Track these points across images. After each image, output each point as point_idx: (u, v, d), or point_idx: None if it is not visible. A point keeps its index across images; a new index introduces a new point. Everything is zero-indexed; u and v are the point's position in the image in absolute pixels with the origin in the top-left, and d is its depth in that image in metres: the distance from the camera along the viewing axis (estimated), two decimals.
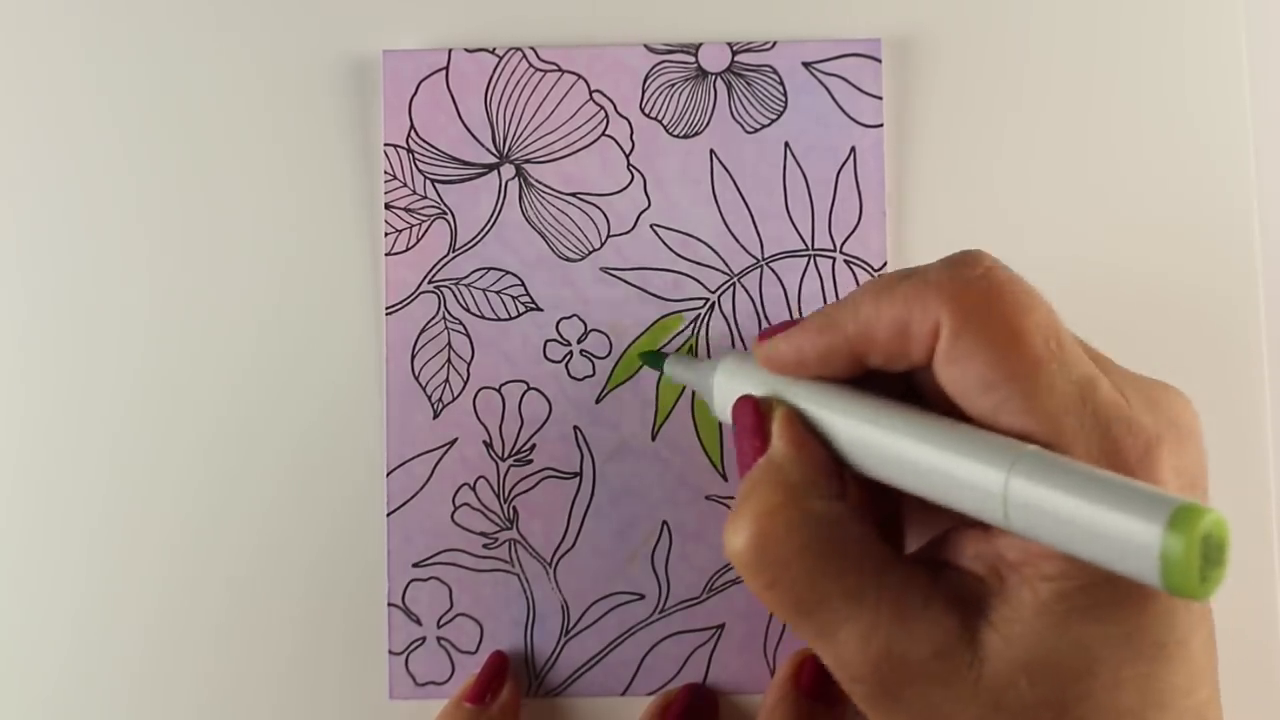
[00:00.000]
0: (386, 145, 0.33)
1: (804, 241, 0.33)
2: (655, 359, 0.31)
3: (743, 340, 0.32)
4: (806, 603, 0.22)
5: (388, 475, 0.32)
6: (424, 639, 0.32)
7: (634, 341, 0.33)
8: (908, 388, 0.24)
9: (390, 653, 0.32)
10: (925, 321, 0.22)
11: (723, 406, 0.27)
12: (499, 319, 0.33)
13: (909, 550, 0.25)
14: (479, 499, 0.32)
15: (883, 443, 0.22)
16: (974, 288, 0.21)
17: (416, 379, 0.32)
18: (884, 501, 0.25)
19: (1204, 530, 0.17)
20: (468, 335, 0.33)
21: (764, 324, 0.32)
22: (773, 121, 0.33)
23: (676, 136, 0.33)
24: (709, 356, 0.32)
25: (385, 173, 0.33)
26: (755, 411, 0.25)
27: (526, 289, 0.33)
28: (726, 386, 0.27)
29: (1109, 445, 0.20)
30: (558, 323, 0.33)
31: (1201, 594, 0.17)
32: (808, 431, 0.24)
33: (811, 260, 0.33)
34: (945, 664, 0.21)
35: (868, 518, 0.23)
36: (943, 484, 0.21)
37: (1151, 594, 0.20)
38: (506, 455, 0.32)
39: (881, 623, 0.22)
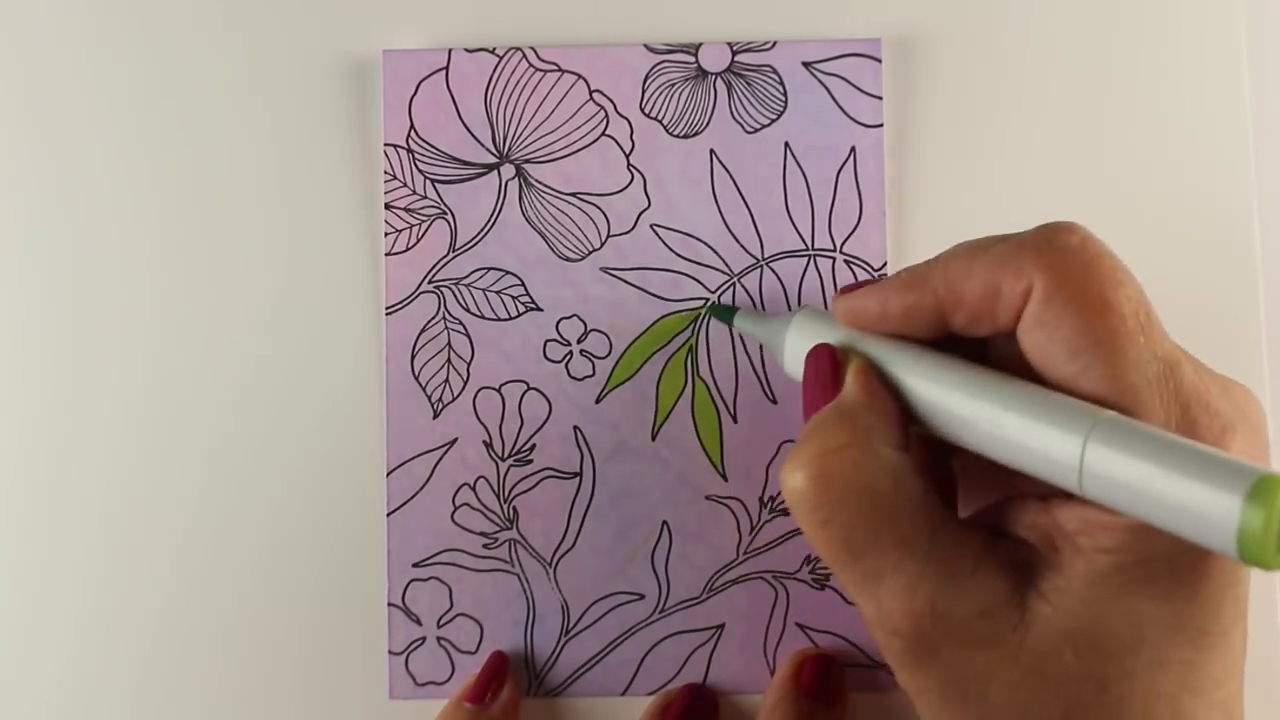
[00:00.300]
0: (386, 145, 0.33)
1: (804, 241, 0.33)
2: (725, 312, 0.31)
3: (742, 339, 0.32)
4: (857, 545, 0.22)
5: (388, 475, 0.32)
6: (424, 639, 0.32)
7: (634, 341, 0.33)
8: (982, 358, 0.24)
9: (390, 653, 0.32)
10: (1018, 284, 0.22)
11: (793, 361, 0.27)
12: (499, 319, 0.33)
13: (962, 516, 0.25)
14: (479, 499, 0.32)
15: (958, 402, 0.22)
16: (1070, 255, 0.21)
17: (416, 379, 0.32)
18: (942, 466, 0.25)
19: None
20: (468, 335, 0.33)
21: None
22: (773, 121, 0.33)
23: (676, 136, 0.33)
24: (704, 364, 0.32)
25: (385, 173, 0.33)
26: (832, 358, 0.25)
27: (526, 289, 0.33)
28: (799, 341, 0.26)
29: (1187, 424, 0.20)
30: (558, 323, 0.33)
31: (1276, 564, 0.17)
32: (881, 382, 0.24)
33: (811, 260, 0.33)
34: (989, 625, 0.21)
35: (927, 476, 0.23)
36: (1017, 446, 0.21)
37: (1204, 577, 0.21)
38: (506, 455, 0.32)
39: (929, 575, 0.22)
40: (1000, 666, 0.21)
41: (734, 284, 0.33)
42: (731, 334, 0.32)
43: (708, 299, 0.32)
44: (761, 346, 0.32)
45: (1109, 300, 0.21)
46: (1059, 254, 0.21)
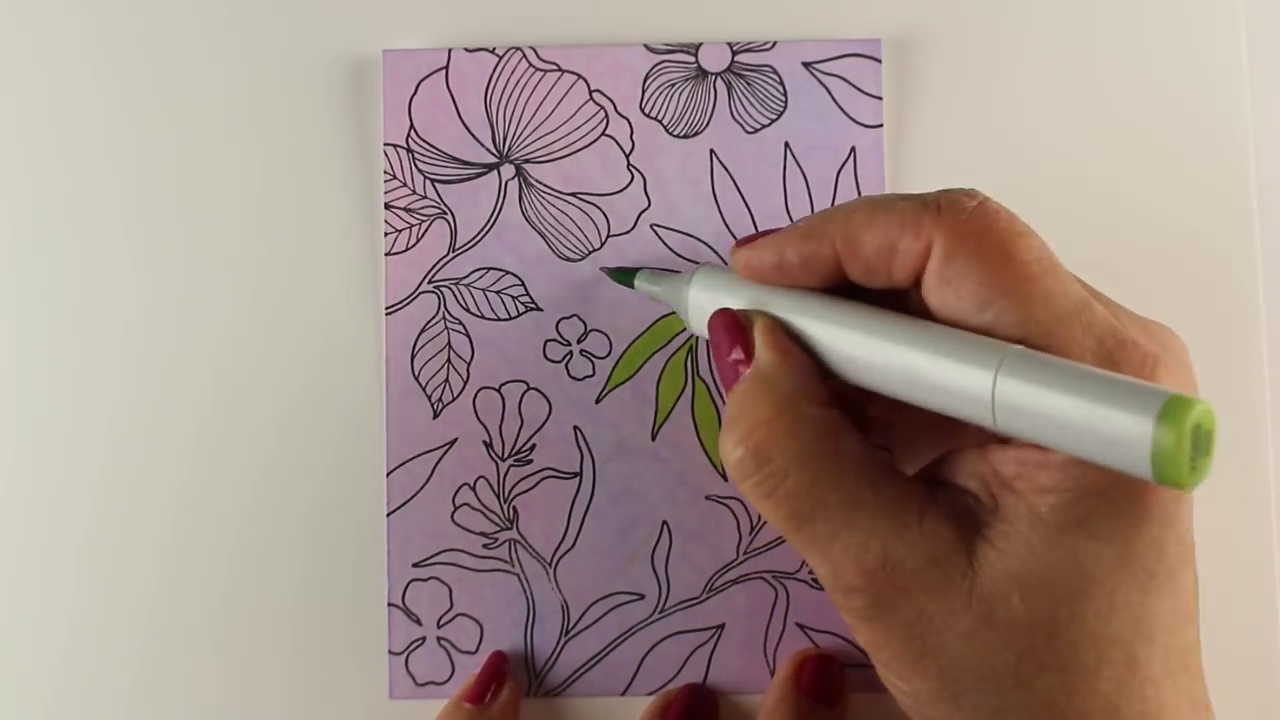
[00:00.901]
0: (386, 145, 0.33)
1: None
2: (624, 275, 0.31)
3: None
4: (804, 511, 0.22)
5: (388, 475, 0.32)
6: (424, 639, 0.32)
7: (634, 341, 0.33)
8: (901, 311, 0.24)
9: (390, 653, 0.32)
10: (916, 242, 0.22)
11: (698, 321, 0.27)
12: (499, 319, 0.33)
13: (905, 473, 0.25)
14: (479, 499, 0.32)
15: (867, 347, 0.22)
16: (968, 214, 0.22)
17: (416, 379, 0.32)
18: (867, 416, 0.26)
19: (1194, 420, 0.17)
20: (468, 335, 0.33)
21: None
22: (773, 121, 0.33)
23: (676, 136, 0.33)
24: (704, 364, 0.32)
25: (385, 173, 0.33)
26: (736, 323, 0.25)
27: (526, 289, 0.33)
28: (702, 300, 0.26)
29: (1103, 358, 0.21)
30: (558, 323, 0.33)
31: (1190, 483, 0.17)
32: (791, 340, 0.24)
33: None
34: (939, 572, 0.21)
35: (859, 430, 0.23)
36: (931, 387, 0.21)
37: (1144, 514, 0.21)
38: (506, 455, 0.32)
39: (878, 530, 0.22)
40: (954, 616, 0.21)
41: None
42: None
43: None
44: None
45: (1009, 249, 0.21)
46: (957, 214, 0.22)
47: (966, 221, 0.22)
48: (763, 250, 0.25)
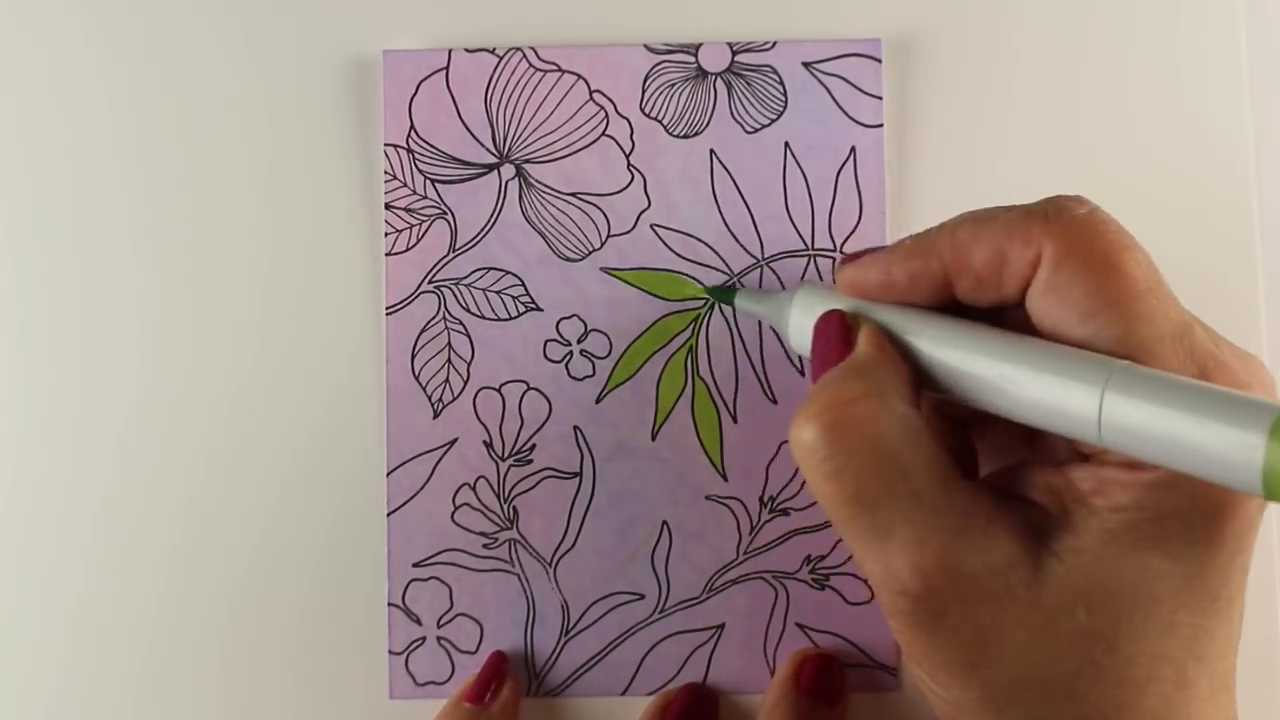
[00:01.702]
0: (386, 145, 0.33)
1: (804, 241, 0.33)
2: (724, 294, 0.30)
3: (742, 339, 0.32)
4: (866, 497, 0.22)
5: (388, 475, 0.32)
6: (424, 639, 0.32)
7: (634, 341, 0.33)
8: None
9: (390, 653, 0.32)
10: (1026, 251, 0.22)
11: (799, 336, 0.26)
12: (499, 319, 0.33)
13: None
14: (479, 499, 0.32)
15: (973, 362, 0.22)
16: (1078, 223, 0.22)
17: (416, 379, 0.32)
18: (954, 435, 0.25)
19: None
20: (468, 335, 0.33)
21: (764, 324, 0.32)
22: (773, 121, 0.33)
23: (676, 136, 0.33)
24: (704, 365, 0.32)
25: (385, 173, 0.33)
26: (842, 321, 0.24)
27: (526, 289, 0.33)
28: (804, 315, 0.26)
29: (1202, 380, 0.20)
30: (558, 323, 0.33)
31: None
32: (893, 345, 0.24)
33: (811, 260, 0.33)
34: (1001, 582, 0.21)
35: (940, 439, 0.23)
36: (1033, 404, 0.21)
37: (1218, 539, 0.21)
38: (506, 455, 0.32)
39: (940, 529, 0.21)
40: (1010, 626, 0.21)
41: (734, 284, 0.33)
42: (732, 334, 0.32)
43: (708, 299, 0.32)
44: (762, 345, 0.32)
45: (1118, 263, 0.21)
46: (1067, 222, 0.22)
47: (1077, 229, 0.22)
48: (868, 268, 0.25)
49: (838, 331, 0.24)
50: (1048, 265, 0.22)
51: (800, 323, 0.26)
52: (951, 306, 0.24)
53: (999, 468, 0.25)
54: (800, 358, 0.32)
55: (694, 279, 0.33)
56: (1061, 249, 0.21)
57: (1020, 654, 0.21)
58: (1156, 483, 0.20)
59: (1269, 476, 0.17)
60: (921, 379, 0.23)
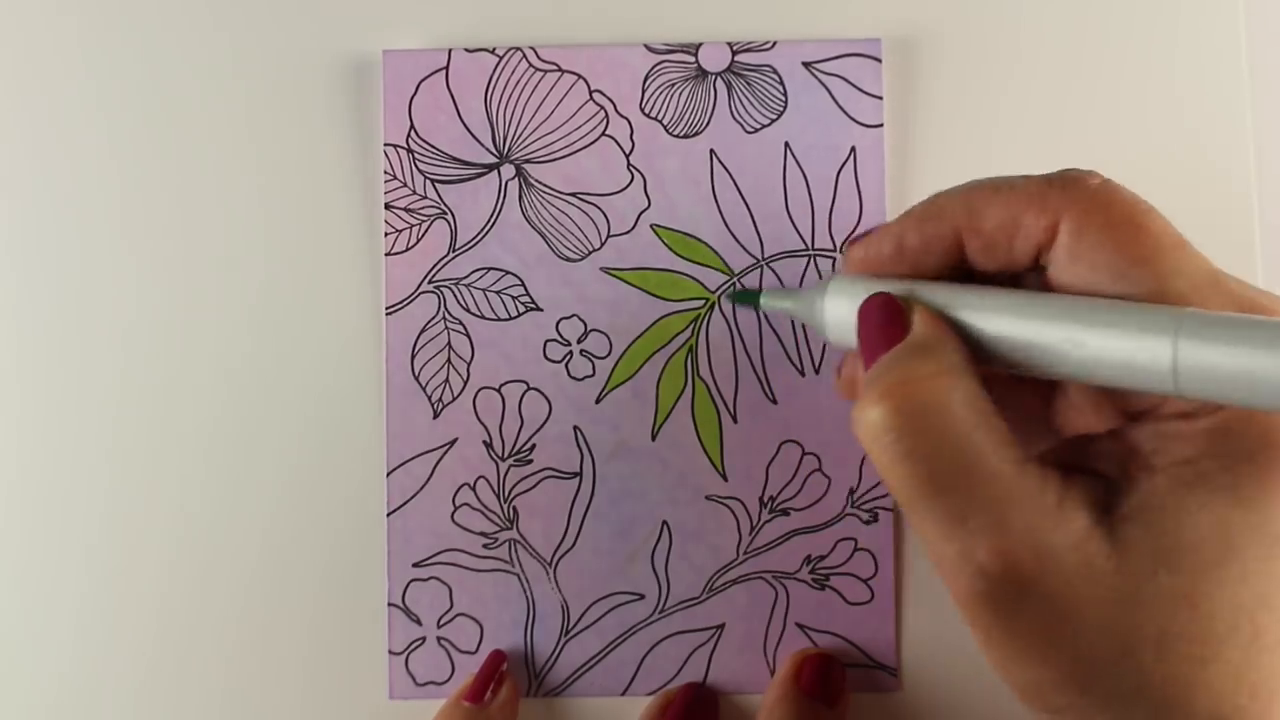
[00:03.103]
0: (386, 145, 0.33)
1: (804, 241, 0.33)
2: (748, 296, 0.29)
3: (742, 339, 0.32)
4: (942, 478, 0.21)
5: (388, 475, 0.32)
6: (424, 639, 0.32)
7: (634, 341, 0.32)
8: None
9: (390, 653, 0.32)
10: (1041, 218, 0.22)
11: (837, 327, 0.25)
12: (499, 319, 0.33)
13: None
14: (479, 499, 0.32)
15: (1034, 329, 0.22)
16: (1095, 191, 0.22)
17: (416, 379, 0.32)
18: (1012, 414, 0.25)
19: None
20: (468, 335, 0.33)
21: (764, 324, 0.32)
22: (773, 121, 0.33)
23: (676, 136, 0.33)
24: (704, 365, 0.32)
25: (385, 173, 0.33)
26: (895, 304, 0.24)
27: (526, 289, 0.33)
28: (841, 306, 0.25)
29: None
30: (558, 323, 0.33)
31: None
32: (950, 325, 0.23)
33: (811, 260, 0.33)
34: (1080, 555, 0.21)
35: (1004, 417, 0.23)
36: (1101, 362, 0.21)
37: None
38: (506, 455, 0.32)
39: (1017, 512, 0.21)
40: (1092, 599, 0.21)
41: (734, 284, 0.33)
42: (732, 334, 0.32)
43: (708, 299, 0.32)
44: (762, 345, 0.32)
45: (1140, 221, 0.21)
46: (1084, 190, 0.22)
47: (1093, 197, 0.22)
48: (879, 241, 0.24)
49: (890, 313, 0.24)
50: (1069, 233, 0.22)
51: (839, 313, 0.25)
52: (958, 274, 0.24)
53: (1054, 444, 0.24)
54: (805, 357, 0.32)
55: (694, 279, 0.33)
56: (1081, 216, 0.22)
57: (1104, 625, 0.21)
58: (1216, 429, 0.20)
59: None
60: (979, 355, 0.23)
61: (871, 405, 0.22)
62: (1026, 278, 0.24)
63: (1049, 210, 0.22)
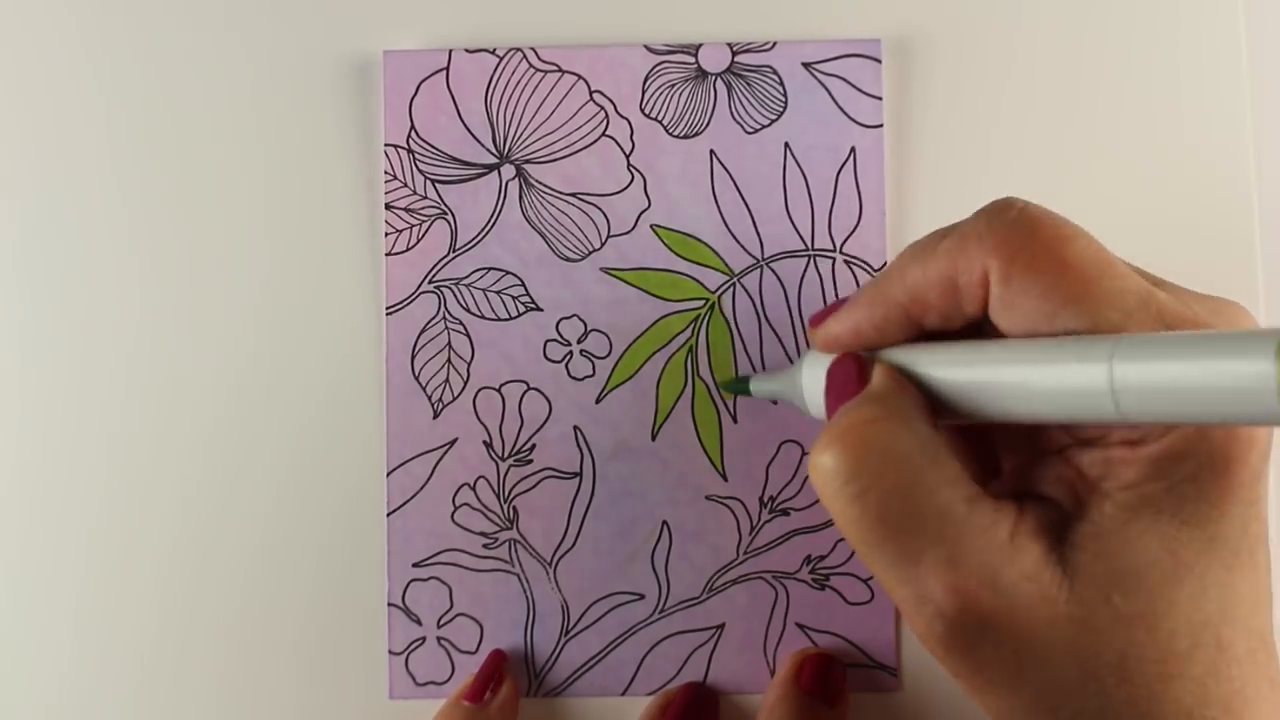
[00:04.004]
0: (387, 145, 0.33)
1: (804, 241, 0.33)
2: (739, 385, 0.31)
3: (742, 340, 0.32)
4: (894, 519, 0.22)
5: (388, 475, 0.32)
6: (424, 639, 0.32)
7: (634, 341, 0.33)
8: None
9: (390, 653, 0.32)
10: (972, 272, 0.22)
11: (814, 400, 0.27)
12: (499, 319, 0.33)
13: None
14: (479, 499, 0.32)
15: (983, 375, 0.22)
16: (1013, 230, 0.22)
17: (416, 379, 0.33)
18: (963, 451, 0.26)
19: None
20: (468, 335, 0.33)
21: (764, 324, 0.32)
22: (773, 122, 0.33)
23: (676, 136, 0.33)
24: (704, 365, 0.32)
25: (385, 173, 0.33)
26: (856, 361, 0.25)
27: (526, 289, 0.33)
28: (815, 377, 0.26)
29: None
30: (558, 323, 0.33)
31: None
32: (906, 378, 0.24)
33: (811, 260, 0.33)
34: (1034, 587, 0.21)
35: (957, 458, 0.23)
36: (1047, 397, 0.21)
37: (1230, 493, 0.21)
38: (506, 455, 0.32)
39: (969, 546, 0.21)
40: (1051, 628, 0.21)
41: (734, 284, 0.33)
42: (732, 335, 0.32)
43: (708, 299, 0.32)
44: (762, 345, 0.32)
45: (1062, 258, 0.21)
46: (1001, 232, 0.22)
47: (1012, 238, 0.22)
48: (838, 324, 0.25)
49: (852, 370, 0.25)
50: (997, 282, 0.22)
51: (814, 382, 0.27)
52: (926, 336, 0.24)
53: (1004, 471, 0.25)
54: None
55: (694, 279, 0.33)
56: (1004, 263, 0.22)
57: (1065, 652, 0.21)
58: (1160, 453, 0.21)
59: None
60: (938, 408, 0.23)
61: (825, 448, 0.22)
62: (988, 325, 0.24)
63: (974, 264, 0.22)
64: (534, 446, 0.32)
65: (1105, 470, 0.21)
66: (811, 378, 0.27)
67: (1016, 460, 0.25)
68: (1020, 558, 0.21)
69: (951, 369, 0.23)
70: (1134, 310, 0.21)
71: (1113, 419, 0.20)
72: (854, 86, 0.33)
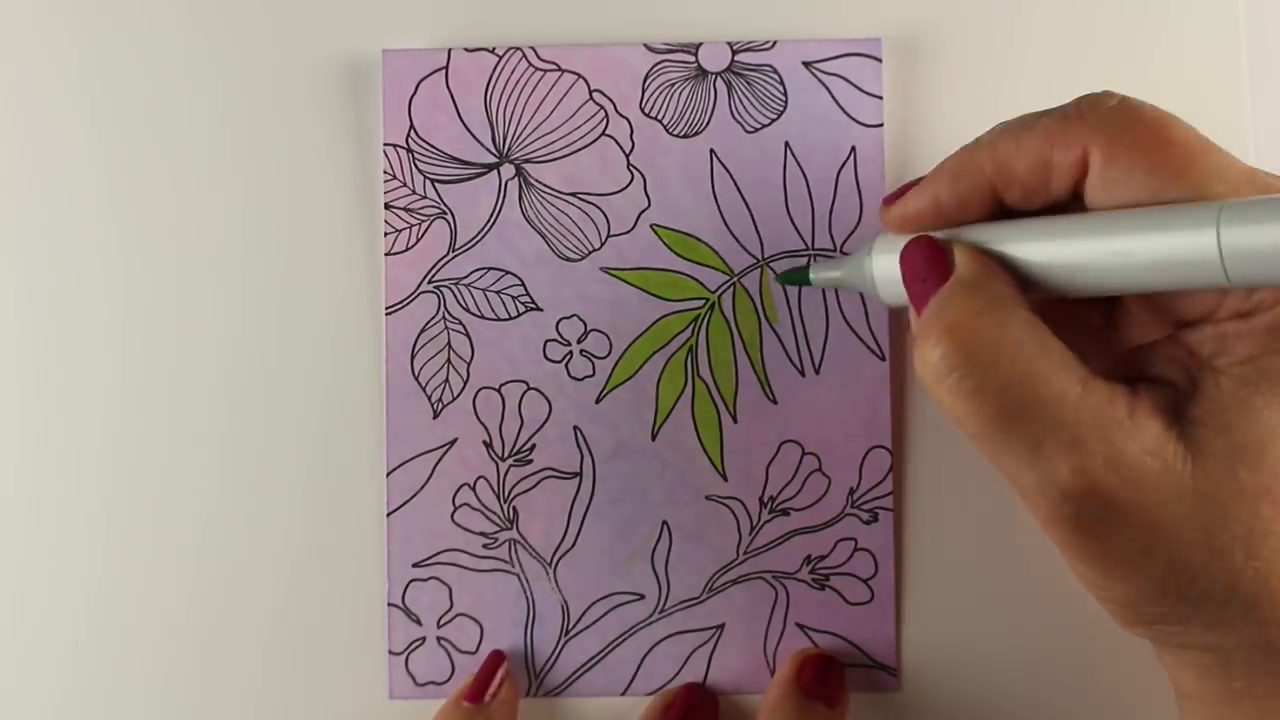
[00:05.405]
0: (386, 145, 0.33)
1: (804, 241, 0.33)
2: (797, 275, 0.30)
3: (742, 339, 0.32)
4: (1012, 408, 0.21)
5: (388, 475, 0.32)
6: (424, 639, 0.32)
7: (634, 341, 0.32)
8: None
9: (390, 653, 0.32)
10: (1070, 152, 0.22)
11: (886, 285, 0.26)
12: (499, 319, 0.33)
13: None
14: (479, 499, 0.32)
15: (1077, 249, 0.22)
16: (1115, 114, 0.22)
17: (416, 379, 0.32)
18: (1068, 334, 0.25)
19: None
20: (468, 335, 0.33)
21: (764, 324, 0.32)
22: (773, 121, 0.33)
23: (676, 136, 0.33)
24: (704, 364, 0.32)
25: (385, 173, 0.33)
26: (934, 245, 0.24)
27: (526, 289, 0.33)
28: (887, 261, 0.25)
29: None
30: (558, 323, 0.33)
31: None
32: (992, 258, 0.23)
33: (811, 260, 0.33)
34: (1159, 462, 0.21)
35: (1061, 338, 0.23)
36: (1149, 268, 0.21)
37: None
38: (506, 455, 0.32)
39: (1091, 429, 0.21)
40: (1177, 503, 0.21)
41: (734, 284, 0.33)
42: (732, 334, 0.32)
43: (708, 299, 0.32)
44: (762, 345, 0.32)
45: (1168, 135, 0.21)
46: (1105, 116, 0.22)
47: (1115, 120, 0.22)
48: (916, 199, 0.25)
49: (930, 255, 0.24)
50: (1100, 162, 0.22)
51: (886, 269, 0.25)
52: (1001, 215, 0.24)
53: (1115, 358, 0.25)
54: (806, 357, 0.32)
55: (694, 279, 0.32)
56: (1107, 143, 0.22)
57: (1193, 528, 0.21)
58: (1273, 324, 0.21)
59: None
60: (1028, 285, 0.23)
61: (932, 347, 0.22)
62: (1069, 208, 0.24)
63: (1074, 144, 0.22)
64: (534, 446, 0.32)
65: (1218, 346, 0.21)
66: (883, 262, 0.26)
67: (1126, 346, 0.24)
68: (1141, 434, 0.21)
69: (1046, 242, 0.22)
70: (1239, 184, 0.21)
71: (1219, 284, 0.20)
72: (854, 86, 0.33)
